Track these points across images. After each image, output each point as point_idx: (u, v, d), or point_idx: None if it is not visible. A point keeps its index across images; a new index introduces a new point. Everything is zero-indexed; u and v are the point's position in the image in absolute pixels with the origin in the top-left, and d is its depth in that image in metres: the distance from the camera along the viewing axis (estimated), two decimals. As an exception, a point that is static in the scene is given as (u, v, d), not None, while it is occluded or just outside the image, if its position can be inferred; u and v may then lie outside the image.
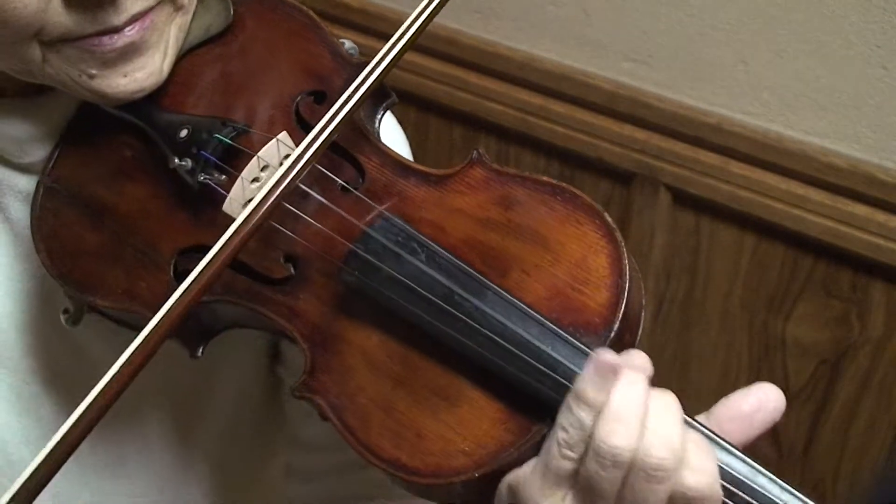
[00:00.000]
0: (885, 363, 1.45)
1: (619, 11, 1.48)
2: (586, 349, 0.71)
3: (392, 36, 0.80)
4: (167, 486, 1.02)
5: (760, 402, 0.71)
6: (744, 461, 0.70)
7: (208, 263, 0.73)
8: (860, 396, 1.49)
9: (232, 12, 0.88)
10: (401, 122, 0.99)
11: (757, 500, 0.69)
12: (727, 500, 0.69)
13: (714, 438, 0.70)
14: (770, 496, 0.69)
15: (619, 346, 0.73)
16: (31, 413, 0.96)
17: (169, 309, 0.72)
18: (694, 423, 0.71)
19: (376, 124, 0.88)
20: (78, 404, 0.96)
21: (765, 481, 0.70)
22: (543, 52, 1.56)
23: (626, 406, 0.67)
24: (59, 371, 0.95)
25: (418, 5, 0.81)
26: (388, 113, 0.99)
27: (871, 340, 1.45)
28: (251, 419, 1.03)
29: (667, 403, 0.68)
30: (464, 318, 0.73)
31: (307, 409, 1.00)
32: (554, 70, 1.55)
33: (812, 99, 1.39)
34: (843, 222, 1.40)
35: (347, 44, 0.89)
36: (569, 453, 0.68)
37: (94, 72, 0.79)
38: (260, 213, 0.75)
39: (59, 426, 0.96)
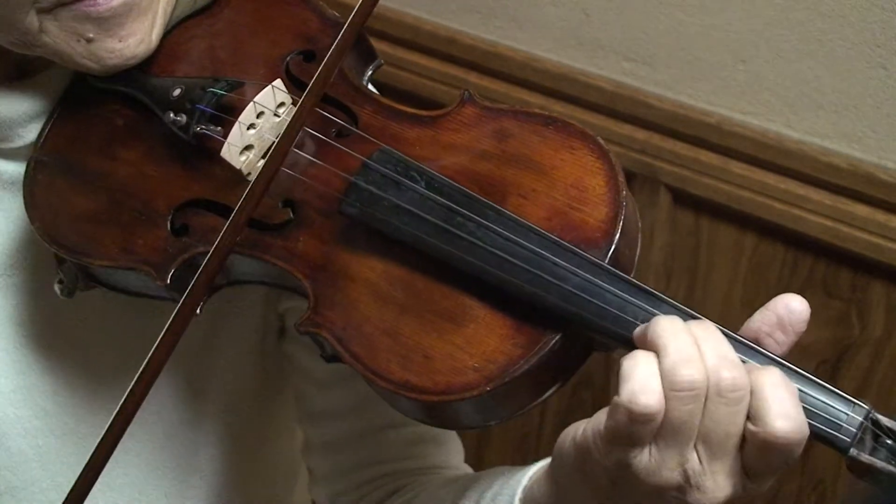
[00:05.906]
0: (885, 363, 1.45)
1: (619, 11, 1.48)
2: (590, 257, 0.72)
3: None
4: (175, 465, 1.03)
5: (780, 314, 0.71)
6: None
7: (250, 192, 0.77)
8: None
9: None
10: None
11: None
12: None
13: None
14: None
15: (621, 261, 0.75)
16: (28, 404, 0.96)
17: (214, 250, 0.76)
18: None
19: (365, 83, 0.90)
20: (74, 394, 0.97)
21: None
22: (543, 52, 1.56)
23: (676, 335, 0.67)
24: (52, 361, 0.96)
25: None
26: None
27: (871, 340, 1.45)
28: (251, 392, 1.04)
29: (704, 325, 0.68)
30: (467, 237, 0.74)
31: (319, 381, 1.02)
32: (554, 70, 1.55)
33: (812, 99, 1.39)
34: (843, 222, 1.40)
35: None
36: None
37: (91, 35, 0.81)
38: (283, 144, 0.78)
39: (56, 415, 0.96)
